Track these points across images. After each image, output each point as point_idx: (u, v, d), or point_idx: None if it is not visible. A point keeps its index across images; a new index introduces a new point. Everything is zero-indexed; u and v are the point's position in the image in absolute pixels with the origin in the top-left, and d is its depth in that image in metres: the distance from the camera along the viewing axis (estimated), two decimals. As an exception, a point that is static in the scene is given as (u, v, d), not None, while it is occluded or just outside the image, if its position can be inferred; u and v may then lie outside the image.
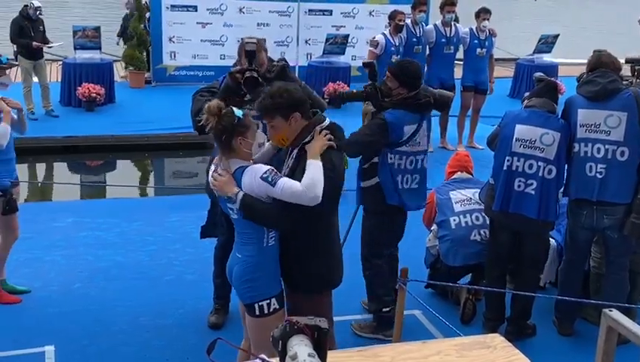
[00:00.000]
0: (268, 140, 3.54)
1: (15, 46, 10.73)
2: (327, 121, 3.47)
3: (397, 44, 8.82)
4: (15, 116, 5.10)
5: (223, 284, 4.62)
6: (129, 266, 5.91)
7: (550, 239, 5.19)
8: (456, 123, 9.69)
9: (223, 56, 12.60)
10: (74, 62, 11.62)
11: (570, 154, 4.61)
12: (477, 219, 5.18)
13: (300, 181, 3.23)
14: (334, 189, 3.35)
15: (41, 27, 10.71)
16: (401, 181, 4.59)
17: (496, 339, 2.68)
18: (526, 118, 4.61)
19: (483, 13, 9.22)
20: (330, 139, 3.39)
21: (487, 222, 5.00)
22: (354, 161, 4.90)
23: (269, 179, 3.19)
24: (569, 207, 4.79)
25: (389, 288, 4.76)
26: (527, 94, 4.99)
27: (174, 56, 13.01)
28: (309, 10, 13.53)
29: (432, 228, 5.44)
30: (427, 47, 9.19)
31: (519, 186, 4.58)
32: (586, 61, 4.79)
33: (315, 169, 3.23)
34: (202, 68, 12.89)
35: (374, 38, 8.94)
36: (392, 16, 8.92)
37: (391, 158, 4.54)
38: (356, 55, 12.86)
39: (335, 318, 3.95)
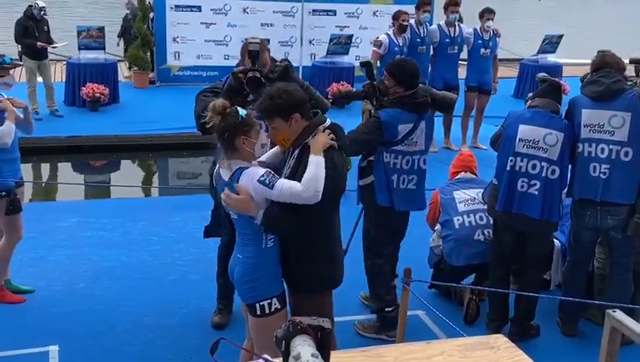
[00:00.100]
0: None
1: (20, 46, 10.76)
2: (327, 122, 3.48)
3: (401, 44, 8.82)
4: (21, 116, 5.12)
5: (226, 284, 4.62)
6: (133, 266, 5.92)
7: (554, 240, 5.18)
8: (460, 123, 9.68)
9: (226, 57, 12.63)
10: (78, 62, 11.66)
11: (573, 154, 4.61)
12: (481, 218, 5.18)
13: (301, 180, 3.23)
14: (335, 189, 3.35)
15: (45, 27, 10.74)
16: (397, 180, 4.58)
17: (500, 340, 2.68)
18: (529, 119, 4.61)
19: (487, 14, 9.21)
20: (332, 139, 3.39)
21: (491, 222, 5.00)
22: (355, 160, 4.93)
23: (267, 182, 3.20)
24: (573, 207, 4.79)
25: (390, 287, 4.77)
26: (530, 94, 4.98)
27: (178, 56, 13.03)
28: (313, 11, 13.54)
29: (435, 228, 5.44)
30: (431, 47, 9.19)
31: (522, 187, 4.57)
32: (590, 61, 4.78)
33: (316, 166, 3.24)
34: (206, 68, 12.91)
35: (378, 38, 8.95)
36: (396, 16, 8.92)
37: (386, 157, 4.54)
38: (360, 55, 12.87)
39: (338, 318, 3.97)
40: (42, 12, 10.65)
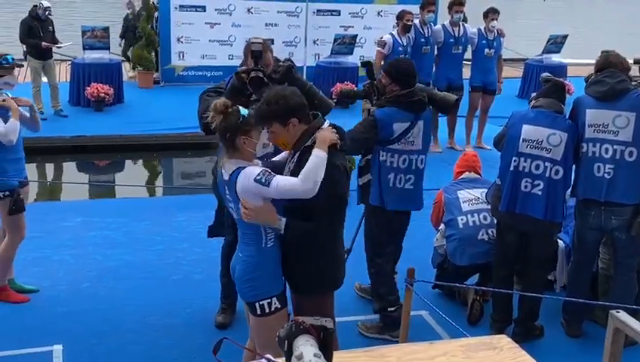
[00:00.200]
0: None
1: (24, 46, 10.80)
2: (326, 124, 3.48)
3: (405, 44, 8.81)
4: (27, 114, 5.14)
5: (229, 284, 4.62)
6: (137, 266, 5.93)
7: (559, 241, 5.17)
8: (464, 123, 9.67)
9: (231, 57, 12.63)
10: (83, 62, 11.68)
11: (577, 154, 4.60)
12: (485, 218, 5.17)
13: None
14: (339, 190, 3.37)
15: (50, 27, 10.78)
16: (394, 179, 4.58)
17: (503, 340, 2.68)
18: (533, 119, 4.60)
19: (491, 14, 9.19)
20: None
21: (495, 221, 4.99)
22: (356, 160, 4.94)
23: (263, 181, 3.20)
24: (577, 207, 4.78)
25: (392, 287, 4.77)
26: (534, 94, 4.98)
27: (183, 56, 13.05)
28: (318, 11, 13.54)
29: (439, 228, 5.43)
30: (435, 47, 9.18)
31: (526, 187, 4.57)
32: (594, 61, 4.77)
33: (317, 158, 3.24)
34: (210, 68, 12.93)
35: (382, 38, 8.94)
36: (400, 16, 8.91)
37: (382, 156, 4.55)
38: (364, 55, 12.83)
39: (342, 318, 3.98)
40: (47, 12, 10.68)
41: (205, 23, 13.00)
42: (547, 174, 4.52)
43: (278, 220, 3.30)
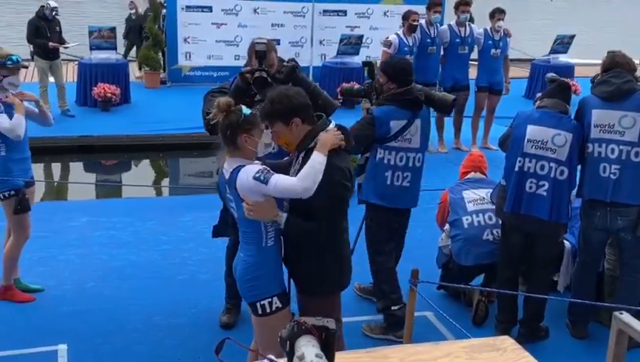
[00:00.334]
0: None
1: (31, 46, 10.84)
2: (332, 125, 3.48)
3: (410, 44, 8.80)
4: (36, 109, 5.15)
5: (233, 284, 4.57)
6: (142, 265, 5.94)
7: (565, 241, 5.15)
8: (470, 124, 9.65)
9: (237, 57, 12.64)
10: (90, 62, 11.71)
11: (583, 154, 4.58)
12: (490, 218, 5.15)
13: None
14: (342, 191, 3.36)
15: (57, 27, 10.81)
16: (391, 177, 4.61)
17: (506, 342, 2.67)
18: (538, 119, 4.58)
19: (497, 14, 9.18)
20: (341, 139, 3.40)
21: (500, 222, 4.97)
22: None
23: (262, 178, 3.21)
24: (582, 208, 4.76)
25: (394, 285, 4.76)
26: (539, 95, 4.96)
27: (189, 56, 13.07)
28: (324, 11, 13.54)
29: (444, 228, 5.42)
30: (442, 47, 9.16)
31: (531, 187, 4.55)
32: (601, 62, 4.76)
33: (316, 162, 3.25)
34: (217, 68, 12.94)
35: (387, 38, 8.94)
36: (406, 16, 8.90)
37: (380, 153, 4.59)
38: (370, 55, 12.81)
39: (346, 319, 3.96)
40: (54, 12, 10.72)
41: (212, 24, 13.02)
42: (552, 175, 4.50)
43: (279, 215, 3.30)
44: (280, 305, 3.38)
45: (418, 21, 8.87)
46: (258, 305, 3.38)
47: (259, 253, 3.38)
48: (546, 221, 4.55)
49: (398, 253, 5.03)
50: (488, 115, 9.66)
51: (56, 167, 10.13)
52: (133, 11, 14.53)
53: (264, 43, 4.26)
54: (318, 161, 3.26)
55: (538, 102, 4.75)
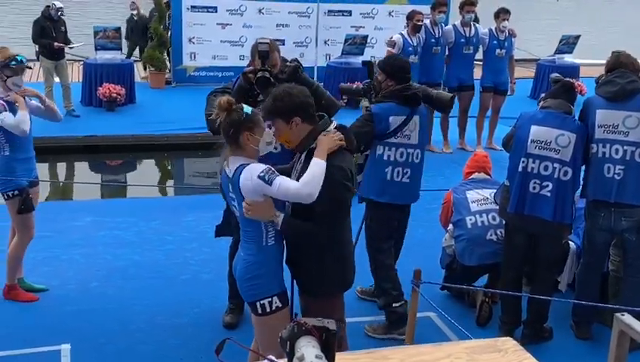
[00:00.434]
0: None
1: (37, 46, 10.87)
2: (333, 125, 3.48)
3: (415, 44, 8.79)
4: (41, 106, 5.16)
5: (236, 283, 4.62)
6: (146, 265, 5.95)
7: (570, 242, 5.13)
8: (475, 124, 9.63)
9: (242, 57, 12.63)
10: (95, 62, 11.75)
11: (587, 155, 4.57)
12: (493, 218, 5.14)
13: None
14: (344, 193, 3.36)
15: (62, 28, 10.85)
16: (391, 173, 4.64)
17: (508, 343, 2.66)
18: (542, 119, 4.57)
19: (502, 14, 9.15)
20: (340, 140, 3.40)
21: (504, 222, 4.96)
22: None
23: (266, 178, 3.22)
24: (587, 208, 4.75)
25: (395, 282, 4.76)
26: (543, 95, 4.95)
27: (194, 57, 13.08)
28: (329, 11, 13.53)
29: (448, 228, 5.41)
30: (446, 47, 9.15)
31: (534, 188, 4.54)
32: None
33: (316, 168, 3.25)
34: (222, 69, 12.95)
35: (392, 38, 8.93)
36: (410, 16, 8.88)
37: (379, 150, 4.63)
38: (375, 55, 12.80)
39: (349, 320, 3.95)
40: (59, 12, 10.76)
41: (217, 24, 13.03)
42: (556, 175, 4.49)
43: (276, 215, 3.30)
44: (280, 305, 3.38)
45: (422, 21, 8.85)
46: (258, 304, 3.38)
47: (259, 252, 3.38)
48: (550, 222, 4.53)
49: (397, 252, 5.04)
50: (493, 115, 9.63)
51: (61, 167, 10.15)
52: (135, 12, 14.55)
53: (267, 43, 4.27)
54: (318, 165, 3.26)
55: (542, 102, 4.74)
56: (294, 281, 3.58)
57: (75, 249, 6.19)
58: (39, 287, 5.36)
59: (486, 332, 4.80)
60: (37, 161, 5.29)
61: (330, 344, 2.19)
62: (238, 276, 3.46)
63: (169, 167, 10.97)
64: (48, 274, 5.62)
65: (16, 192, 4.97)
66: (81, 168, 10.27)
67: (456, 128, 9.62)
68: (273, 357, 2.35)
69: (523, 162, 4.55)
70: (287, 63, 4.37)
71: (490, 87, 9.38)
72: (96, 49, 11.84)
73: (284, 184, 3.22)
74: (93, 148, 10.20)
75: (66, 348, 4.56)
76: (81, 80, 12.02)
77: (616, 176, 4.47)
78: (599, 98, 4.59)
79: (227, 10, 13.03)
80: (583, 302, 4.53)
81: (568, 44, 13.34)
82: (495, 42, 9.14)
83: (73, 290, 5.42)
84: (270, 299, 3.36)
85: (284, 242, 3.48)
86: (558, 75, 4.98)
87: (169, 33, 13.11)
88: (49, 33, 10.57)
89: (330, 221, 3.35)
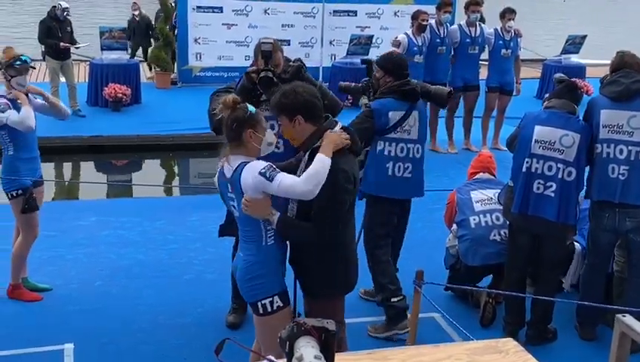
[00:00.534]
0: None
1: (43, 46, 10.90)
2: (338, 126, 3.47)
3: (420, 44, 8.77)
4: (45, 103, 5.17)
5: (239, 283, 4.62)
6: (150, 265, 5.95)
7: (575, 243, 5.11)
8: (480, 124, 9.60)
9: (247, 58, 12.57)
10: (101, 62, 11.77)
11: (591, 155, 4.55)
12: (497, 219, 5.12)
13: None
14: (343, 194, 3.34)
15: (68, 28, 10.89)
16: (392, 168, 4.67)
17: (509, 344, 2.65)
18: (545, 120, 4.55)
19: (508, 14, 9.12)
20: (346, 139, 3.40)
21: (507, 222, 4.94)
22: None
23: (267, 175, 3.22)
24: (591, 209, 4.72)
25: (393, 277, 4.77)
26: (547, 95, 4.93)
27: (200, 57, 13.09)
28: (334, 11, 13.52)
29: (452, 228, 5.39)
30: (452, 47, 9.12)
31: (538, 188, 4.52)
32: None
33: (320, 164, 3.24)
34: (227, 69, 12.95)
35: (396, 37, 8.91)
36: (415, 16, 8.87)
37: (380, 145, 4.65)
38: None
39: (352, 320, 3.94)
40: (65, 13, 10.79)
41: (222, 24, 13.03)
42: (560, 176, 4.47)
43: (272, 214, 3.29)
44: (281, 304, 3.37)
45: (427, 21, 8.84)
46: (259, 304, 3.37)
47: (259, 252, 3.37)
48: (554, 222, 4.51)
49: (397, 252, 5.03)
50: (499, 115, 9.60)
51: (67, 167, 10.18)
52: (136, 12, 14.58)
53: (270, 43, 4.27)
54: (322, 162, 3.25)
55: (546, 102, 4.72)
56: (297, 281, 3.58)
57: (79, 248, 6.20)
58: (43, 287, 5.37)
59: (490, 332, 4.78)
60: (42, 160, 5.30)
61: (329, 344, 2.18)
62: (238, 276, 3.45)
63: (174, 168, 10.98)
64: (52, 274, 5.63)
65: (20, 192, 4.98)
66: (87, 168, 10.28)
67: (462, 128, 9.59)
68: (272, 358, 2.34)
69: (527, 162, 4.53)
70: (291, 63, 4.37)
71: (495, 87, 9.35)
72: (102, 49, 11.87)
73: (285, 180, 3.22)
74: (99, 148, 10.23)
75: (69, 347, 4.56)
76: (87, 80, 12.06)
77: (620, 176, 4.45)
78: (604, 98, 4.57)
79: (233, 11, 13.04)
80: (587, 303, 4.51)
81: (575, 44, 13.29)
82: (501, 42, 9.11)
83: (77, 290, 5.43)
84: (271, 299, 3.36)
85: (288, 241, 3.48)
86: (562, 75, 4.97)
87: (175, 33, 13.13)
88: (55, 33, 10.60)
89: (329, 221, 3.33)
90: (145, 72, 13.66)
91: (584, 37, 13.40)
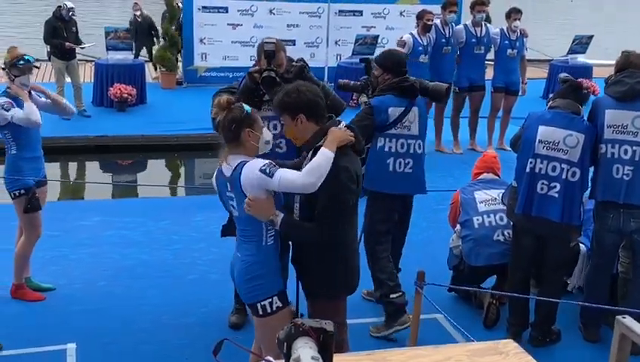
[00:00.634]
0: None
1: (48, 46, 10.94)
2: (342, 125, 3.46)
3: (425, 43, 8.75)
4: (47, 100, 5.17)
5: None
6: (154, 265, 5.95)
7: (580, 244, 5.08)
8: (486, 124, 9.57)
9: (252, 58, 12.50)
10: (106, 63, 11.80)
11: (595, 155, 4.52)
12: (501, 219, 5.10)
13: None
14: (345, 193, 3.33)
15: (73, 28, 10.92)
16: (393, 164, 4.69)
17: (509, 345, 2.63)
18: (550, 120, 4.53)
19: (514, 14, 9.09)
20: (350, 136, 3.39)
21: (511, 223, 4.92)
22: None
23: (267, 172, 3.21)
24: (595, 210, 4.70)
25: (391, 273, 4.77)
26: (551, 95, 4.91)
27: (205, 57, 13.10)
28: (339, 11, 13.51)
29: (455, 229, 5.37)
30: (457, 47, 9.10)
31: (542, 189, 4.49)
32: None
33: (322, 157, 3.23)
34: (232, 69, 12.93)
35: (402, 37, 8.90)
36: (420, 15, 8.85)
37: (380, 141, 4.67)
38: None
39: (354, 321, 3.93)
40: (71, 13, 10.82)
41: (227, 24, 13.04)
42: (564, 176, 4.44)
43: (275, 214, 3.28)
44: (280, 305, 3.36)
45: (432, 21, 8.82)
46: (259, 305, 3.36)
47: (259, 252, 3.36)
48: (558, 223, 4.48)
49: (399, 250, 5.02)
50: (504, 115, 9.57)
51: (72, 167, 10.19)
52: (138, 13, 14.59)
53: (273, 43, 4.27)
54: (325, 155, 3.23)
55: (550, 102, 4.70)
56: (299, 281, 3.57)
57: (82, 248, 6.21)
58: (46, 287, 5.37)
59: (493, 334, 4.76)
60: (48, 160, 5.31)
61: (327, 345, 2.17)
62: (236, 277, 3.44)
63: (179, 168, 10.99)
64: (56, 273, 5.63)
65: (22, 191, 4.99)
66: (92, 168, 10.31)
67: (467, 129, 9.56)
68: (271, 358, 2.34)
69: (531, 163, 4.51)
70: (294, 63, 4.37)
71: (501, 87, 9.32)
72: (107, 49, 11.89)
73: (285, 175, 3.21)
74: (104, 148, 10.25)
75: (71, 347, 4.57)
76: (92, 80, 12.09)
77: (625, 176, 4.43)
78: (608, 98, 4.55)
79: (238, 11, 13.05)
80: (590, 304, 4.48)
81: (581, 44, 13.24)
82: (506, 42, 9.08)
83: (80, 289, 5.43)
84: (271, 300, 3.35)
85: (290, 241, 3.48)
86: (566, 74, 4.94)
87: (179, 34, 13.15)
88: (60, 33, 10.63)
89: (331, 221, 3.32)
90: (150, 72, 13.67)
91: (590, 37, 13.35)
